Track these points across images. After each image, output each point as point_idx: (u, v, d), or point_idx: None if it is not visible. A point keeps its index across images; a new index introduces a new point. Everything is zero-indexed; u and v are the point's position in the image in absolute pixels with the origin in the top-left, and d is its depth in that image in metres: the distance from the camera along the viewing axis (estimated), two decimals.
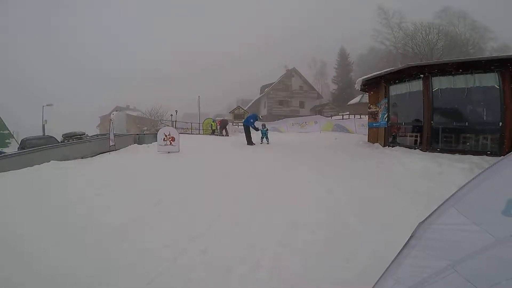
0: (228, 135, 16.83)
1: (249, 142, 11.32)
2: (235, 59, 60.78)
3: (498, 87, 6.39)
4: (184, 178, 6.21)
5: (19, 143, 15.74)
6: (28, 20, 59.99)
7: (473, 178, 1.34)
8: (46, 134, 18.51)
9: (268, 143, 11.55)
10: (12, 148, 19.22)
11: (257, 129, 11.73)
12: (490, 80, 6.55)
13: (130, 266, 3.02)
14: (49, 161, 8.66)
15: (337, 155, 8.15)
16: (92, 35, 73.37)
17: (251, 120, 11.72)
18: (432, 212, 1.42)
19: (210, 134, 17.97)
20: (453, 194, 1.37)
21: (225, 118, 21.74)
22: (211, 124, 18.96)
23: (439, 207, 1.40)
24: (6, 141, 22.63)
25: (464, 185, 1.35)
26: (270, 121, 24.09)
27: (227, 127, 17.67)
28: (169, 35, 78.28)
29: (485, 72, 6.61)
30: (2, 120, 23.25)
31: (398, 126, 8.57)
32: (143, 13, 74.77)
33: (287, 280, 2.65)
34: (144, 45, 74.67)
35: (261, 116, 14.39)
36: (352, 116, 22.84)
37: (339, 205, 4.21)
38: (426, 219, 1.43)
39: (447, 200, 1.38)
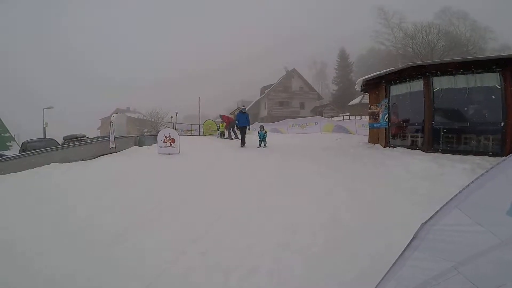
0: (238, 137, 13.65)
1: (243, 143, 11.19)
2: (236, 62, 60.95)
3: (499, 87, 6.35)
4: (184, 180, 6.18)
5: (20, 145, 15.81)
6: (29, 22, 60.16)
7: (477, 178, 1.31)
8: (47, 137, 18.57)
9: (265, 147, 11.07)
10: (13, 150, 19.32)
11: (249, 127, 11.42)
12: (492, 80, 6.51)
13: (129, 268, 2.99)
14: (49, 163, 8.65)
15: (338, 156, 8.10)
16: (93, 38, 73.65)
17: (244, 120, 11.29)
18: (435, 213, 1.39)
19: (224, 137, 15.38)
20: (456, 195, 1.34)
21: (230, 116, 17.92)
22: (219, 126, 16.72)
23: (442, 207, 1.37)
24: (7, 144, 22.84)
25: (467, 185, 1.32)
26: (271, 122, 24.03)
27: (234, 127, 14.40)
28: (170, 38, 78.61)
29: (486, 72, 6.56)
30: (3, 123, 23.47)
31: (399, 126, 8.53)
32: (145, 15, 75.14)
33: (287, 282, 2.62)
34: (145, 46, 74.80)
35: (244, 106, 13.67)
36: (352, 117, 22.77)
37: (340, 206, 4.17)
38: (428, 220, 1.41)
39: (450, 200, 1.35)
